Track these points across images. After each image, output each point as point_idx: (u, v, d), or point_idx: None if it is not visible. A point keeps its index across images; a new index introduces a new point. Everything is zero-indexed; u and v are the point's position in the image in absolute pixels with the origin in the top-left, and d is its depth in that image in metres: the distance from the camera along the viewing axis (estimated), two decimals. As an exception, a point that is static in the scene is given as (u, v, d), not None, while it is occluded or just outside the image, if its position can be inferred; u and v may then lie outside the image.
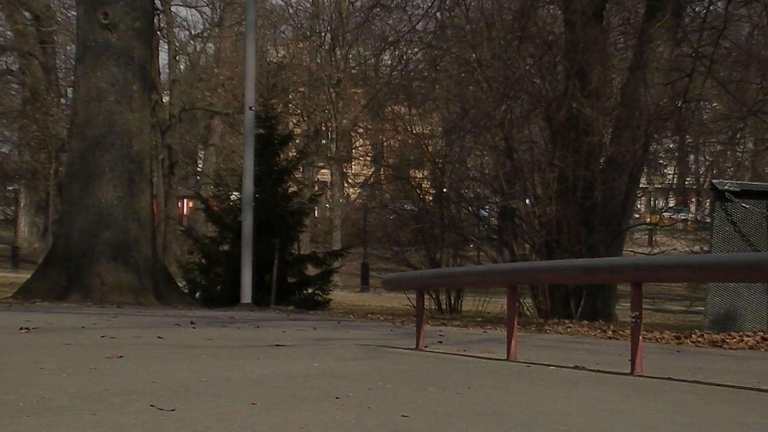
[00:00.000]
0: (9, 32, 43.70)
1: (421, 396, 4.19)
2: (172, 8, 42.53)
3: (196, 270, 19.98)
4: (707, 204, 28.45)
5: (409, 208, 24.34)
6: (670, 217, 28.11)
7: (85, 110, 16.63)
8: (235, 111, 37.84)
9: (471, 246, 22.25)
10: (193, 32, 48.54)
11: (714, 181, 13.83)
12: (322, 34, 44.69)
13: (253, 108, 16.76)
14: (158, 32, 36.89)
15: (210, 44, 47.04)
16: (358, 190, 47.09)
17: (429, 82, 23.00)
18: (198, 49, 47.76)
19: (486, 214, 23.25)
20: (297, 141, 32.68)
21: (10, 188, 54.85)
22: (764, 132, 22.53)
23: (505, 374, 5.36)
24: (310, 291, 19.72)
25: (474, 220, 22.44)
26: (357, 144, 46.90)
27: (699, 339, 10.07)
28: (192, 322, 9.90)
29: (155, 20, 30.04)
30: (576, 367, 5.92)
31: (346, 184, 46.79)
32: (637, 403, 4.21)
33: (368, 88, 35.99)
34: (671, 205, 31.46)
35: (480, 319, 15.56)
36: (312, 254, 22.09)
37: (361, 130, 44.74)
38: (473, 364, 6.07)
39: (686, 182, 28.92)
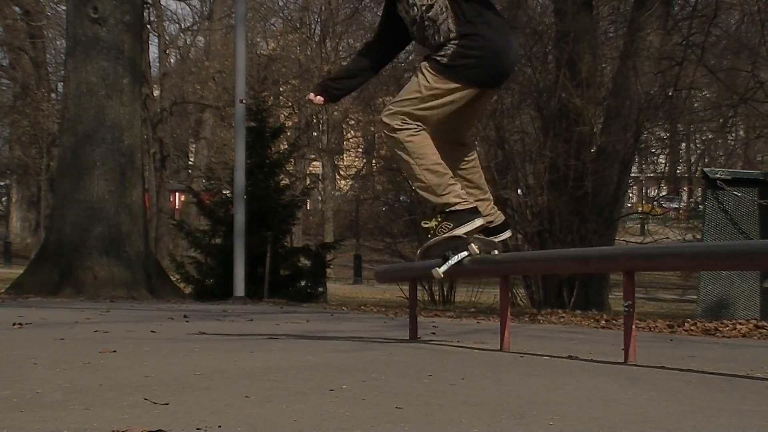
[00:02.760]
0: (-2, 27, 43.61)
1: (415, 387, 4.19)
2: (162, 1, 42.54)
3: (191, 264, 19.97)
4: (699, 192, 28.51)
5: (401, 199, 24.35)
6: (662, 206, 28.16)
7: (75, 105, 16.61)
8: (226, 104, 37.83)
9: (463, 237, 22.24)
10: (182, 25, 48.56)
11: (705, 169, 13.85)
12: (312, 26, 44.67)
13: (244, 101, 16.75)
14: (148, 26, 36.88)
15: (200, 37, 47.03)
16: (350, 182, 47.10)
17: (420, 73, 22.99)
18: (188, 43, 47.76)
19: (478, 204, 23.24)
20: (288, 133, 32.68)
21: (2, 183, 54.82)
22: (755, 120, 22.58)
23: (498, 365, 5.37)
24: (302, 283, 19.72)
25: (466, 210, 22.44)
26: (348, 136, 46.90)
27: (692, 327, 10.09)
28: (185, 316, 9.91)
29: (145, 14, 30.02)
30: (569, 357, 5.93)
31: (338, 176, 46.80)
32: (631, 391, 4.22)
33: (359, 79, 35.96)
34: (663, 194, 31.51)
35: (473, 309, 15.58)
36: (304, 247, 22.10)
37: (353, 122, 44.71)
38: (467, 354, 6.08)
39: (678, 171, 29.00)
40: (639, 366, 5.34)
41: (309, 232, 45.88)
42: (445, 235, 5.82)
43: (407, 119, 5.66)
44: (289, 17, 44.66)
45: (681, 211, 33.36)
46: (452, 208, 5.75)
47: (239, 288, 15.95)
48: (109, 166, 16.45)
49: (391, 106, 5.78)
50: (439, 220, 5.84)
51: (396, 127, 5.67)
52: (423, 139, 5.68)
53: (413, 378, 4.54)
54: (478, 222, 5.81)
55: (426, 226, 5.96)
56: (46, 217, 37.67)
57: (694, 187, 31.62)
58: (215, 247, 19.39)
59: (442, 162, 5.76)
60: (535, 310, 14.93)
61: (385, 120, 5.73)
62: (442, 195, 5.73)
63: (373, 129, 37.70)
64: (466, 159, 6.02)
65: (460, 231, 5.76)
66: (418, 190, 5.94)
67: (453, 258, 5.97)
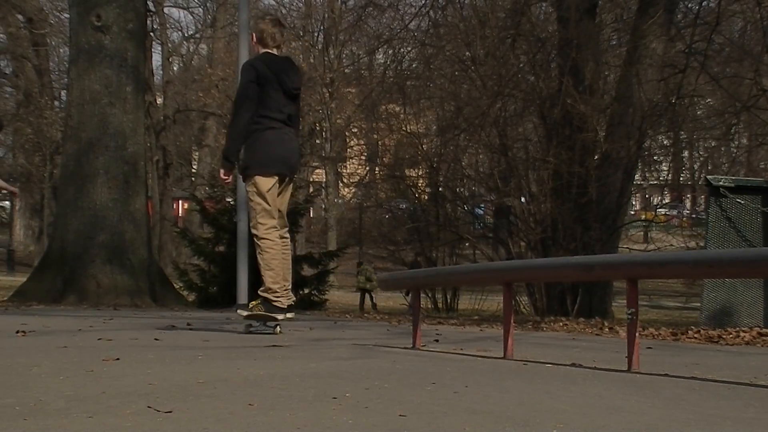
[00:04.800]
0: (2, 35, 43.72)
1: (418, 395, 4.19)
2: (165, 9, 42.59)
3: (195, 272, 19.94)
4: (702, 200, 28.47)
5: (404, 207, 24.35)
6: (665, 214, 28.12)
7: (78, 112, 16.61)
8: (229, 112, 37.83)
9: (467, 244, 22.27)
10: (186, 33, 48.66)
11: (709, 176, 13.83)
12: (315, 34, 44.73)
13: (247, 109, 16.71)
14: (151, 33, 36.92)
15: (203, 45, 47.14)
16: (353, 190, 47.14)
17: (423, 80, 23.00)
18: (191, 50, 47.85)
19: (481, 212, 23.26)
20: (291, 141, 32.59)
21: (5, 191, 54.84)
22: (758, 127, 22.54)
23: (502, 372, 5.37)
24: (306, 291, 19.69)
25: (469, 218, 22.45)
26: (351, 143, 46.93)
27: (695, 335, 10.08)
28: (188, 324, 9.90)
29: (148, 22, 30.02)
30: (573, 365, 5.92)
31: (341, 184, 46.82)
32: (634, 399, 4.21)
33: (362, 87, 36.02)
34: (666, 202, 31.47)
35: (476, 317, 15.57)
36: (308, 255, 22.08)
37: (356, 130, 44.76)
38: (470, 362, 6.07)
39: (681, 178, 28.96)
40: (642, 374, 5.34)
41: (312, 239, 45.88)
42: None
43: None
44: (292, 25, 44.69)
45: (684, 219, 33.30)
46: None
47: (242, 296, 15.91)
48: (112, 173, 16.44)
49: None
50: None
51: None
52: None
53: (416, 386, 4.54)
54: None
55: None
56: (49, 224, 37.71)
57: (698, 195, 31.60)
58: (218, 255, 19.37)
59: None
60: (538, 317, 14.92)
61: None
62: None
63: (376, 137, 37.73)
64: None
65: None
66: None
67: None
